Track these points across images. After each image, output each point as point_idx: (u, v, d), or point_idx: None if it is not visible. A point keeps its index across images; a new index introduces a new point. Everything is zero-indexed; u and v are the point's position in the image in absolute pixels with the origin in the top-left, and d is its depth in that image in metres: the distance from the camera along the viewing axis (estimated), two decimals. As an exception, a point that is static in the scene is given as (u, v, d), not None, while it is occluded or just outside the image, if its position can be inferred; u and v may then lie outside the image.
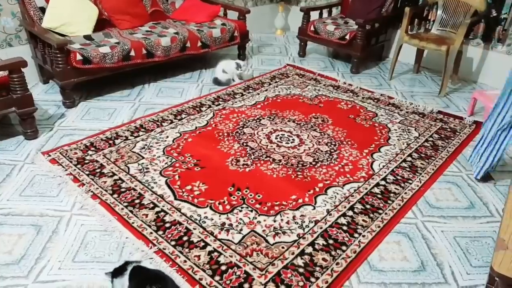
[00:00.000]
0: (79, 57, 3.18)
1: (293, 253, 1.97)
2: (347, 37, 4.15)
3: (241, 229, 2.10)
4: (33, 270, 1.85)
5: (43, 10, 3.45)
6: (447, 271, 1.93)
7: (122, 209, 2.22)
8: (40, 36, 3.26)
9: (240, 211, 2.23)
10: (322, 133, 3.07)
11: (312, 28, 4.44)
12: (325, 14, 4.72)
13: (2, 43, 3.50)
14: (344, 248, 2.02)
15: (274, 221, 2.17)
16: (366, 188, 2.47)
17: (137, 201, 2.28)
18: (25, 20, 3.47)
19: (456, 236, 2.14)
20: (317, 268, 1.90)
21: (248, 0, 5.37)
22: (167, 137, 2.93)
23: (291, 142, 2.92)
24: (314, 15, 4.60)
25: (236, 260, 1.92)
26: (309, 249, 2.00)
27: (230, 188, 2.41)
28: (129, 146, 2.80)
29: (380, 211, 2.28)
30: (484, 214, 2.31)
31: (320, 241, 2.06)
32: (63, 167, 2.55)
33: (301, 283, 1.82)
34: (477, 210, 2.34)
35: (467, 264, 1.97)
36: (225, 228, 2.11)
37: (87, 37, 3.47)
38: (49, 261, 1.90)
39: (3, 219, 2.14)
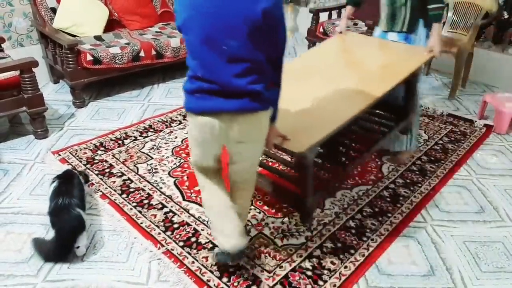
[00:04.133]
0: (89, 57, 3.20)
1: (301, 256, 1.97)
2: (357, 38, 4.12)
3: (249, 231, 2.10)
4: (42, 269, 1.87)
5: (54, 10, 3.49)
6: (456, 276, 1.91)
7: (131, 209, 2.23)
8: (51, 36, 3.29)
9: (248, 212, 2.22)
10: (331, 135, 3.05)
11: (321, 29, 4.42)
12: (334, 16, 4.70)
13: (13, 43, 3.54)
14: (352, 251, 2.01)
15: (282, 223, 2.17)
16: (375, 191, 2.46)
17: (145, 201, 2.29)
18: (36, 20, 3.51)
19: (466, 240, 2.12)
20: (325, 271, 1.89)
21: (257, 1, 5.36)
22: (176, 137, 2.93)
23: (300, 144, 2.91)
24: (323, 16, 4.59)
25: (244, 262, 1.92)
26: (317, 252, 1.99)
27: (238, 190, 2.40)
28: (138, 146, 2.81)
29: (389, 215, 2.26)
30: (494, 219, 2.28)
31: (329, 244, 2.05)
32: (73, 166, 2.57)
33: (309, 286, 1.81)
34: (487, 214, 2.31)
35: (476, 269, 1.95)
36: (233, 230, 2.10)
37: (98, 37, 3.50)
38: (59, 260, 1.92)
39: (13, 217, 2.17)
